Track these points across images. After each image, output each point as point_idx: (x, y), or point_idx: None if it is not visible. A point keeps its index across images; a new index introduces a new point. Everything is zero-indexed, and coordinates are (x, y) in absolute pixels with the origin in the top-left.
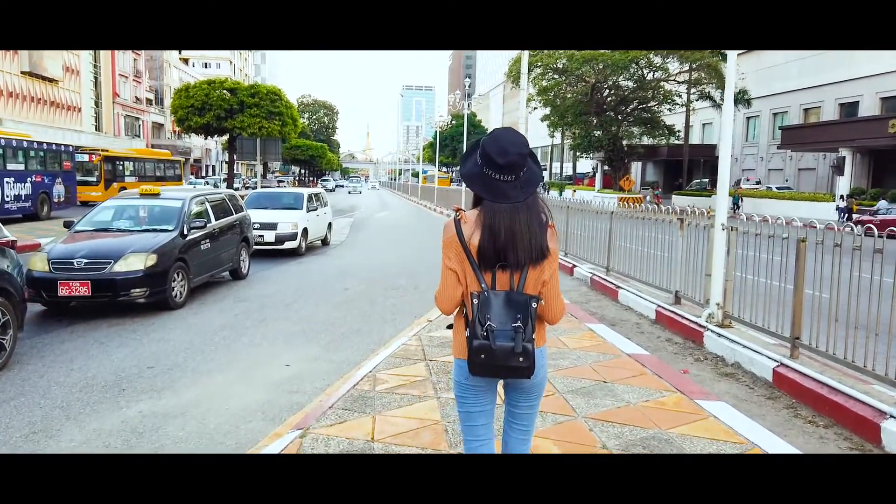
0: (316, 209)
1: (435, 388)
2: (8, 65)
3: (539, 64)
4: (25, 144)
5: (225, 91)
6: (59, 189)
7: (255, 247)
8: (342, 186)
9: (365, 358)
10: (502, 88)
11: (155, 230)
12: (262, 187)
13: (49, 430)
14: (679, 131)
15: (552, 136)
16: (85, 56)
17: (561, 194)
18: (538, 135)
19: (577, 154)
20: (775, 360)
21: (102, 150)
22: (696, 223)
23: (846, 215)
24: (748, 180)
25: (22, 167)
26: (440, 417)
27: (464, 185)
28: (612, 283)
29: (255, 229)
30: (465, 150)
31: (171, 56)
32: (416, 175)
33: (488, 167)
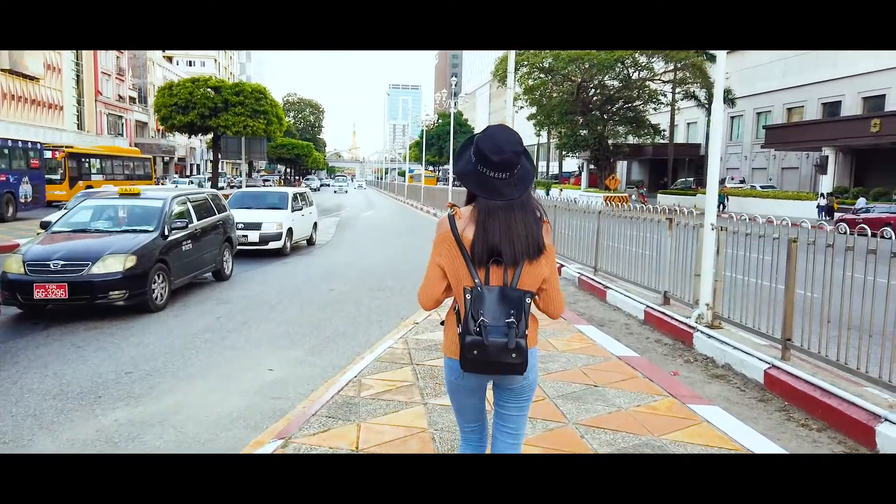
0: (301, 209)
1: (422, 394)
2: None
3: (525, 63)
4: None
5: (209, 89)
6: (25, 188)
7: (238, 247)
8: (328, 185)
9: (350, 362)
10: (489, 87)
11: (135, 231)
12: (247, 186)
13: (20, 440)
14: (664, 130)
15: (538, 136)
16: (66, 53)
17: (548, 193)
18: (524, 134)
19: (563, 153)
20: (767, 362)
21: (67, 147)
22: (684, 223)
23: (827, 214)
24: (732, 179)
25: None
26: (427, 425)
27: (451, 184)
28: (600, 283)
29: (238, 229)
30: (451, 149)
31: (155, 54)
32: (402, 174)
33: (483, 164)
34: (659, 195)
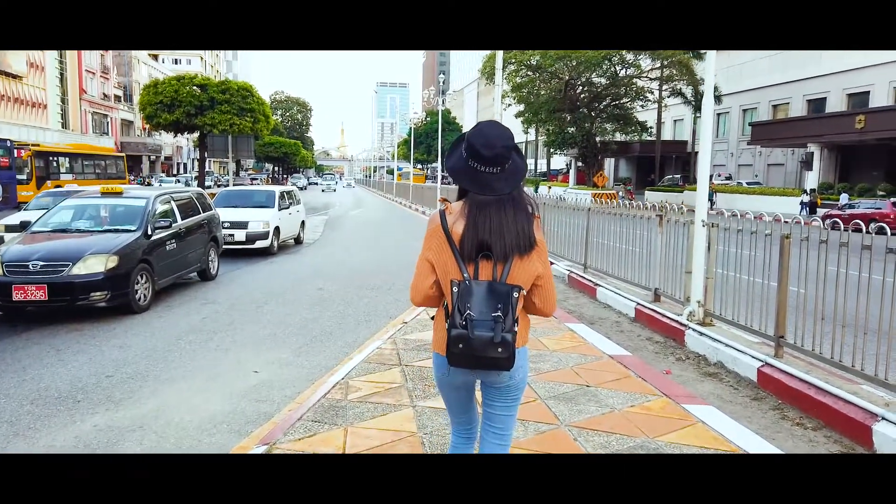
0: (288, 207)
1: (411, 396)
2: None
3: (513, 60)
4: None
5: (195, 87)
6: None
7: (225, 246)
8: (316, 184)
9: (338, 363)
10: (477, 85)
11: (117, 230)
12: (234, 185)
13: None
14: (651, 128)
15: (526, 133)
16: (50, 52)
17: (536, 191)
18: (513, 131)
19: (551, 151)
20: (760, 360)
21: (33, 145)
22: (675, 219)
23: (809, 209)
24: (719, 176)
25: None
26: (416, 429)
27: (439, 182)
28: (590, 280)
29: (225, 228)
30: (440, 147)
31: (140, 52)
32: (391, 172)
33: (474, 160)
34: (646, 192)
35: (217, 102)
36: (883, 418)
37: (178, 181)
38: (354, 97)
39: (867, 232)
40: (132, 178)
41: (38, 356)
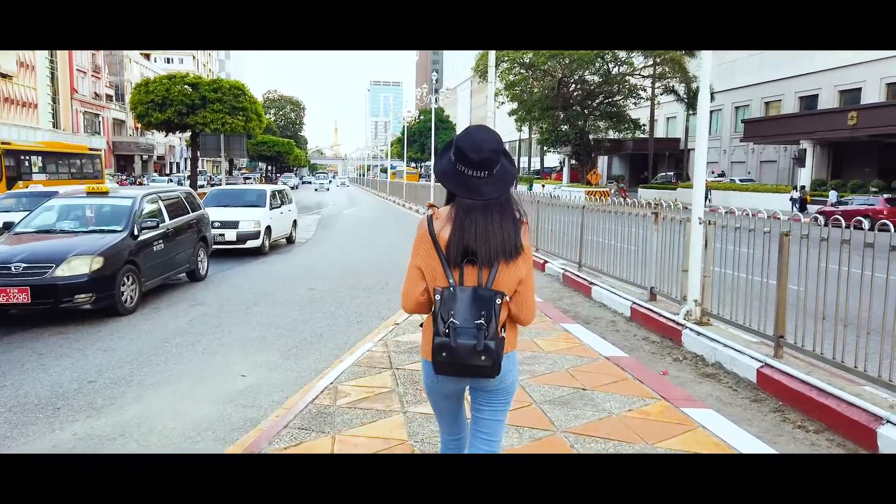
0: (280, 206)
1: (401, 401)
2: None
3: (506, 58)
4: None
5: (186, 86)
6: None
7: (215, 246)
8: (309, 183)
9: (328, 365)
10: (470, 83)
11: (102, 231)
12: (227, 184)
13: None
14: (644, 125)
15: (520, 131)
16: (40, 51)
17: (530, 189)
18: (506, 130)
19: (545, 149)
20: (759, 360)
21: (3, 143)
22: (671, 217)
23: (800, 206)
24: (713, 173)
25: None
26: (406, 436)
27: (433, 180)
28: (584, 279)
29: (215, 228)
30: (433, 145)
31: (132, 51)
32: (384, 171)
33: (462, 163)
34: (640, 189)
35: (209, 101)
36: (888, 421)
37: (171, 180)
38: (348, 96)
39: (869, 229)
40: (124, 177)
41: (20, 361)
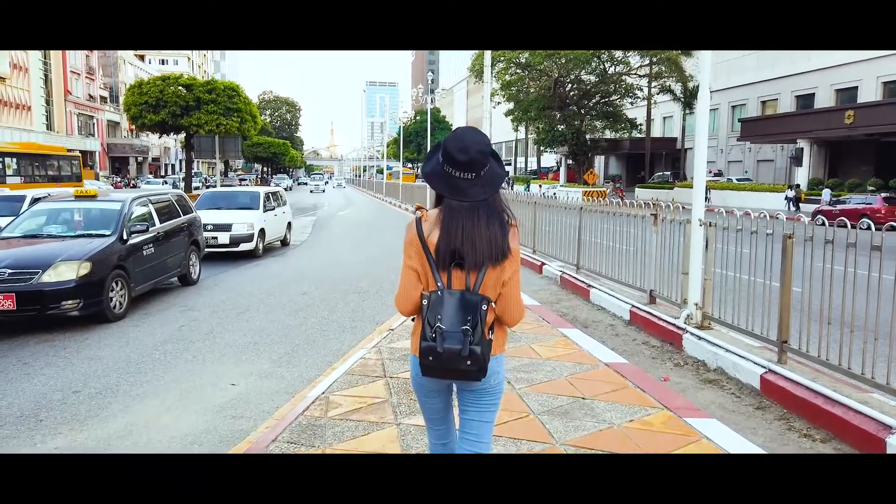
0: (274, 208)
1: (395, 412)
2: None
3: (502, 58)
4: None
5: (180, 87)
6: None
7: (208, 249)
8: (305, 184)
9: (320, 373)
10: (466, 83)
11: (90, 235)
12: (222, 186)
13: None
14: (641, 125)
15: (516, 131)
16: (34, 52)
17: (527, 189)
18: (503, 130)
19: (542, 148)
20: (762, 366)
21: None
22: (670, 218)
23: (794, 205)
24: (710, 172)
25: None
26: (399, 450)
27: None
28: (582, 281)
29: (208, 231)
30: (429, 145)
31: (126, 52)
32: (380, 171)
33: (449, 164)
34: (637, 189)
35: (203, 102)
36: None
37: (166, 182)
38: (344, 96)
39: (876, 229)
40: (118, 179)
41: (3, 370)
